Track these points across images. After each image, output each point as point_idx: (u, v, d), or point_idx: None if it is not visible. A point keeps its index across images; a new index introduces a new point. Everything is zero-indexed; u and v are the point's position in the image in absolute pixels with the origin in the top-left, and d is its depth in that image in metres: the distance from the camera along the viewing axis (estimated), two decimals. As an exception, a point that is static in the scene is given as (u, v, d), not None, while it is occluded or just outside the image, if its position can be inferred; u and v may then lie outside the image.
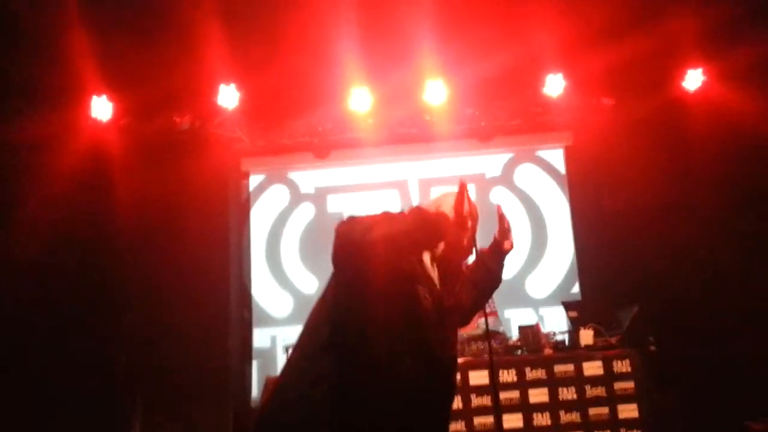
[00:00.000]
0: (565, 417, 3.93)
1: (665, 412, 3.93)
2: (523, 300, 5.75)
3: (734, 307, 5.00)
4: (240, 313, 5.65)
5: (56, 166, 5.06)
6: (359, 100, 5.38)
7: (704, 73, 5.31)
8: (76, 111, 5.25)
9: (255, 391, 5.42)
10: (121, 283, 5.38)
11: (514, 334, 4.57)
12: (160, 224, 5.43)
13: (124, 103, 5.35)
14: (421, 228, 1.77)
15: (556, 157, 6.07)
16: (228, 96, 5.29)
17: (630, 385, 3.95)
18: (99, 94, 5.23)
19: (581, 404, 3.92)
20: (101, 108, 5.27)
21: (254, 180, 6.10)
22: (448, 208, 1.90)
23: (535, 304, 5.74)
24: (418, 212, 1.80)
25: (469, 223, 1.87)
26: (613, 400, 3.92)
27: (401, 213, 1.81)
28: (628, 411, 3.88)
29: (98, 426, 4.87)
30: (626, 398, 3.91)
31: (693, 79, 5.33)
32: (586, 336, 4.23)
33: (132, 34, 4.88)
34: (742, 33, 4.91)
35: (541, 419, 3.92)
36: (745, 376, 4.78)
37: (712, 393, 4.67)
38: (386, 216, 1.75)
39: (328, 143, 5.86)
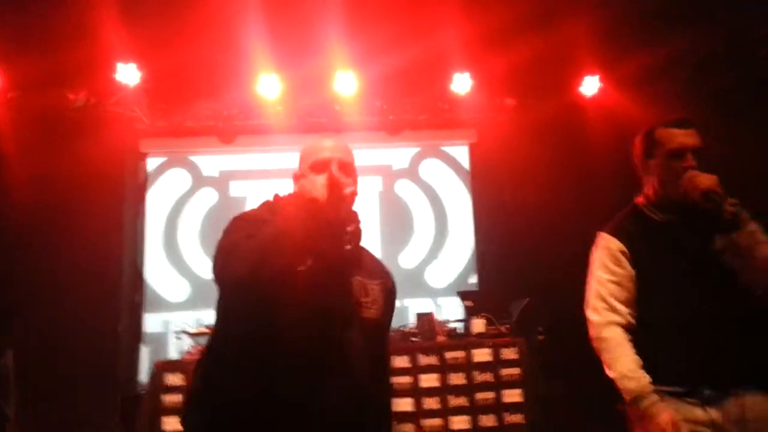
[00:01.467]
0: (453, 401, 4.02)
1: (548, 398, 4.08)
2: (422, 289, 5.85)
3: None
4: (132, 297, 5.44)
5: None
6: (268, 86, 5.32)
7: (601, 79, 5.57)
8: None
9: (143, 375, 5.23)
10: (8, 265, 5.06)
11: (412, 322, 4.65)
12: (52, 203, 5.15)
13: (13, 75, 5.04)
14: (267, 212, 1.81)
15: (460, 153, 6.21)
16: (127, 73, 5.09)
17: (516, 371, 4.09)
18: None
19: (469, 389, 4.02)
20: (-15, 79, 4.97)
21: (153, 162, 5.88)
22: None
23: (434, 293, 5.85)
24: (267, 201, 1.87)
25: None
26: (499, 385, 4.04)
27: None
28: (513, 396, 4.01)
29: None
30: (512, 384, 4.05)
31: (590, 85, 5.59)
32: (478, 324, 4.36)
33: (23, 3, 4.61)
34: (636, 41, 5.17)
35: (431, 403, 3.99)
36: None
37: (592, 381, 4.89)
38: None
39: (234, 128, 5.76)
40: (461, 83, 5.53)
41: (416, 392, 4.06)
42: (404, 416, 3.99)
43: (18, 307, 4.97)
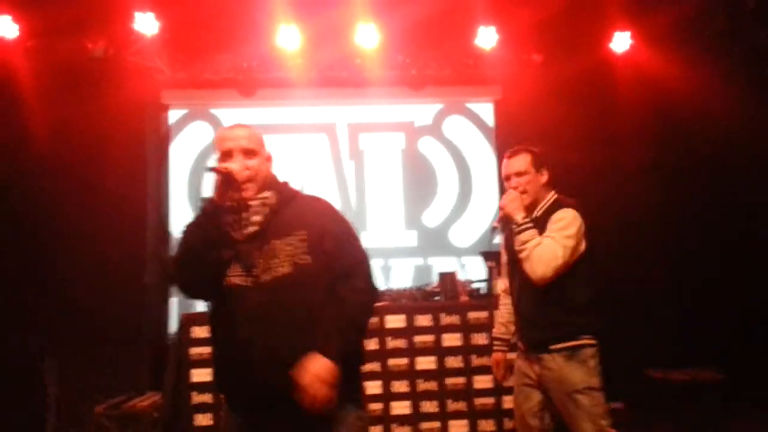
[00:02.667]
0: (476, 361, 4.05)
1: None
2: (446, 249, 5.84)
3: (646, 263, 5.23)
4: (158, 250, 5.45)
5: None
6: (288, 37, 5.20)
7: (632, 36, 5.41)
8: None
9: (172, 327, 5.30)
10: (31, 218, 5.08)
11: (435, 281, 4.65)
12: (73, 154, 5.13)
13: (32, 23, 4.96)
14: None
15: (485, 110, 6.09)
16: (146, 23, 4.99)
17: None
18: (1, 13, 4.83)
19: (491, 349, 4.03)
20: (5, 27, 4.89)
21: (174, 114, 5.82)
22: None
23: (458, 252, 5.83)
24: None
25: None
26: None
27: None
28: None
29: (8, 367, 4.68)
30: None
31: (620, 42, 5.43)
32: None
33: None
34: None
35: (453, 362, 4.02)
36: (648, 327, 5.05)
37: (617, 343, 4.90)
38: None
39: (254, 81, 5.66)
40: (487, 38, 5.39)
41: (439, 351, 4.09)
42: (427, 374, 4.03)
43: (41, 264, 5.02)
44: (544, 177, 2.82)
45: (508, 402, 3.94)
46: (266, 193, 2.08)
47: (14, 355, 4.74)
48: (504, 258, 2.97)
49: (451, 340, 4.11)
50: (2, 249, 4.93)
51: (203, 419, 3.79)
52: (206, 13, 5.08)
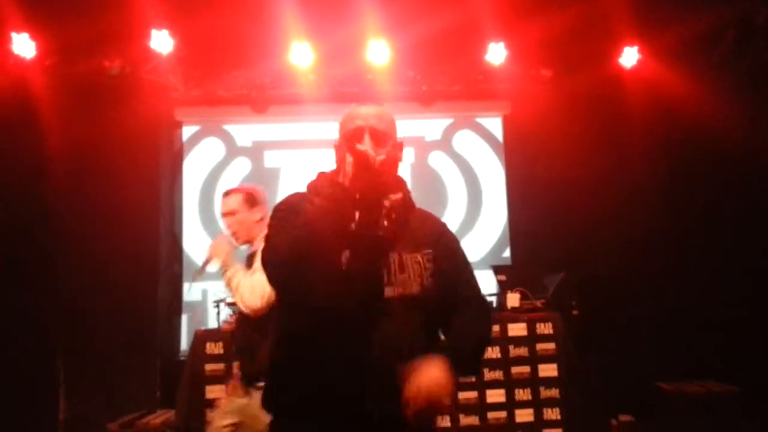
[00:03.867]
0: (489, 375, 4.06)
1: (583, 372, 4.11)
2: (455, 263, 5.85)
3: (655, 276, 5.24)
4: (170, 266, 5.52)
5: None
6: (300, 54, 5.28)
7: (640, 51, 5.45)
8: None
9: (184, 344, 5.35)
10: (47, 233, 5.14)
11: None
12: (89, 171, 5.21)
13: (49, 42, 5.06)
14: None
15: (494, 125, 6.14)
16: (161, 41, 5.08)
17: (551, 346, 4.11)
18: (19, 31, 4.93)
19: (505, 363, 4.06)
20: (23, 46, 4.98)
21: (188, 131, 5.91)
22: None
23: (468, 266, 5.85)
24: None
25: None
26: (534, 359, 4.07)
27: None
28: (549, 370, 4.05)
29: (21, 382, 4.72)
30: (547, 358, 4.07)
31: (629, 56, 5.47)
32: (513, 299, 4.37)
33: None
34: (676, 12, 5.05)
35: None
36: (659, 340, 5.05)
37: (628, 355, 4.93)
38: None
39: (267, 97, 5.72)
40: (496, 53, 5.44)
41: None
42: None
43: (56, 281, 5.06)
44: (258, 215, 2.96)
45: (520, 416, 3.97)
46: (397, 195, 1.80)
47: (25, 371, 4.78)
48: None
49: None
50: (15, 264, 4.98)
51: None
52: (220, 31, 5.16)
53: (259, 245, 2.71)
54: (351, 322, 1.66)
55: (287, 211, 1.77)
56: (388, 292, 1.70)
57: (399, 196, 1.79)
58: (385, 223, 1.74)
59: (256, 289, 2.69)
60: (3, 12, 4.74)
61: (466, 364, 1.73)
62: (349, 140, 1.77)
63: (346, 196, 1.66)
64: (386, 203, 1.76)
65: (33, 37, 5.01)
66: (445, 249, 1.84)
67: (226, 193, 3.06)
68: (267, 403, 1.79)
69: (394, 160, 1.81)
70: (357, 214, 1.71)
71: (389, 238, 1.74)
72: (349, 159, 1.68)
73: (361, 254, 1.70)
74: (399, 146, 1.86)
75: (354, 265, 1.69)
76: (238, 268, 2.85)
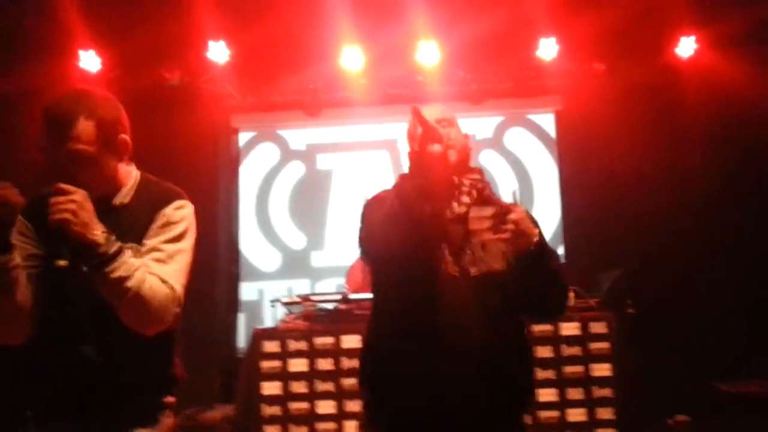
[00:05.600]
0: (541, 374, 4.03)
1: (637, 372, 4.03)
2: (509, 261, 5.83)
3: (712, 273, 5.08)
4: (228, 268, 5.73)
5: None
6: (351, 58, 5.37)
7: (697, 40, 5.29)
8: (64, 65, 5.23)
9: (242, 342, 5.54)
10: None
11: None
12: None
13: (113, 56, 5.33)
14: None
15: (546, 121, 6.08)
16: (218, 51, 5.27)
17: (605, 345, 4.03)
18: (86, 48, 5.21)
19: (557, 362, 4.02)
20: (89, 61, 5.27)
21: (244, 137, 6.11)
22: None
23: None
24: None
25: (417, 145, 1.78)
26: (588, 359, 4.02)
27: None
28: (602, 370, 3.97)
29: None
30: (601, 358, 4.01)
31: (686, 46, 5.31)
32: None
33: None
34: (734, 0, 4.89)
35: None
36: (717, 339, 4.90)
37: (685, 354, 4.80)
38: None
39: (319, 101, 5.85)
40: (547, 49, 5.39)
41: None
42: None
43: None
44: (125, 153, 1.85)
45: (572, 415, 3.94)
46: (475, 175, 1.90)
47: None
48: None
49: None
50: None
51: (272, 431, 3.95)
52: (273, 39, 5.29)
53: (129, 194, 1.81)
54: (439, 301, 1.73)
55: (377, 207, 1.87)
56: (473, 271, 1.77)
57: (476, 175, 1.90)
58: (467, 200, 1.83)
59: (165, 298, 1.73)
60: (71, 29, 5.02)
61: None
62: (421, 144, 1.80)
63: (410, 189, 1.73)
64: (466, 181, 1.85)
65: (99, 53, 5.28)
66: (524, 230, 1.81)
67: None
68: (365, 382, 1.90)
69: (463, 142, 1.93)
70: (430, 207, 1.76)
71: (467, 215, 1.79)
72: (423, 160, 1.75)
73: (445, 230, 1.79)
74: (466, 136, 1.99)
75: (432, 247, 1.77)
76: (127, 253, 1.66)
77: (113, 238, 1.63)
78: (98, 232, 1.59)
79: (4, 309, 1.60)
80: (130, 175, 1.86)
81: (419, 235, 1.71)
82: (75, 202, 1.57)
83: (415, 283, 1.75)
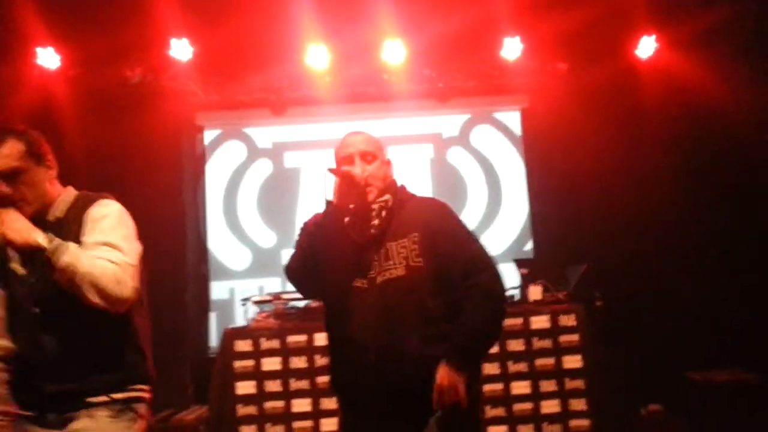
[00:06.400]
0: (513, 367, 4.09)
1: (608, 363, 4.12)
2: (477, 257, 5.88)
3: (677, 266, 5.22)
4: (197, 267, 5.63)
5: (2, 114, 4.89)
6: (317, 57, 5.34)
7: (657, 40, 5.42)
8: (22, 62, 5.07)
9: (213, 341, 5.46)
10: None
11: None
12: (114, 177, 5.27)
13: (72, 54, 5.18)
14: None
15: (512, 119, 6.16)
16: (181, 49, 5.18)
17: (575, 337, 4.12)
18: (44, 45, 5.06)
19: (529, 355, 4.08)
20: (48, 59, 5.12)
21: (209, 135, 6.01)
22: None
23: (490, 260, 5.88)
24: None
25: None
26: (559, 351, 4.09)
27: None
28: (573, 362, 4.06)
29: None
30: (571, 350, 4.08)
31: (646, 47, 5.44)
32: (535, 292, 4.39)
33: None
34: (694, 0, 5.03)
35: (491, 369, 4.07)
36: (685, 330, 5.04)
37: (654, 344, 4.92)
38: None
39: (285, 100, 5.81)
40: (511, 48, 5.45)
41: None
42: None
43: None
44: (50, 171, 2.04)
45: (546, 407, 4.00)
46: (385, 197, 2.12)
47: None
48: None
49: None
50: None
51: (248, 431, 3.90)
52: (237, 37, 5.22)
53: (63, 208, 2.00)
54: (354, 310, 2.04)
55: (302, 230, 2.21)
56: (379, 279, 2.03)
57: (387, 197, 2.12)
58: (376, 222, 2.09)
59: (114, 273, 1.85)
60: (28, 27, 4.87)
61: (470, 359, 1.97)
62: (339, 164, 2.15)
63: (335, 212, 2.06)
64: (375, 206, 2.10)
65: (57, 50, 5.13)
66: (435, 228, 2.07)
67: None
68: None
69: (382, 173, 2.15)
70: (347, 220, 2.10)
71: (379, 235, 2.08)
72: (336, 180, 2.05)
73: (354, 252, 2.07)
74: (387, 163, 2.20)
75: (348, 261, 2.07)
76: (68, 244, 1.85)
77: (52, 236, 1.84)
78: (38, 235, 1.81)
79: None
80: (64, 192, 2.07)
81: (341, 253, 2.05)
82: (4, 221, 1.82)
83: (336, 297, 2.10)
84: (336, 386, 2.16)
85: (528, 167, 6.02)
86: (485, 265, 2.06)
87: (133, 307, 1.99)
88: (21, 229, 1.81)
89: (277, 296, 4.46)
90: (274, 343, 4.02)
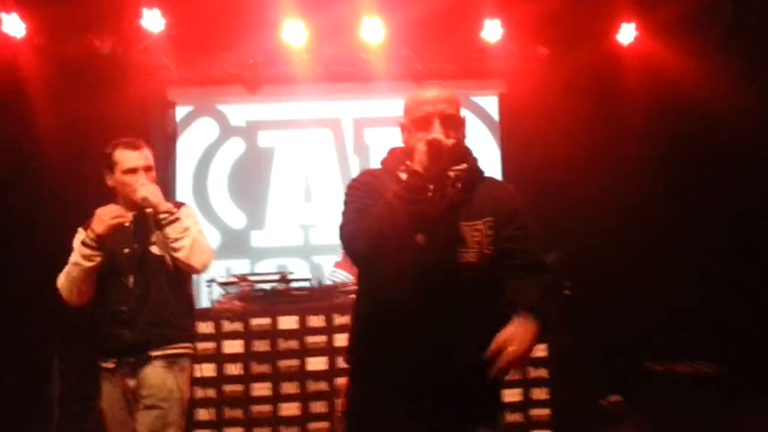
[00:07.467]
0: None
1: (573, 353, 4.11)
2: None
3: (647, 256, 5.23)
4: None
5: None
6: (293, 33, 5.22)
7: (637, 27, 5.37)
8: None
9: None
10: (36, 216, 5.14)
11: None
12: (80, 151, 5.15)
13: (39, 21, 5.02)
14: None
15: (490, 103, 6.08)
16: (153, 19, 5.04)
17: (540, 326, 4.09)
18: (8, 11, 4.90)
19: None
20: (12, 25, 4.95)
21: (181, 111, 5.87)
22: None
23: (463, 244, 5.85)
24: None
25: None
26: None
27: None
28: (537, 350, 4.03)
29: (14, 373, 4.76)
30: (537, 338, 4.06)
31: (626, 33, 5.39)
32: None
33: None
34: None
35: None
36: (651, 321, 5.05)
37: (620, 335, 4.93)
38: None
39: (259, 77, 5.67)
40: (492, 31, 5.36)
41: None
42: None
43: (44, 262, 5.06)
44: None
45: (508, 395, 3.98)
46: (462, 165, 1.91)
47: (22, 354, 4.82)
48: None
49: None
50: (6, 248, 4.97)
51: (205, 414, 3.86)
52: (212, 10, 5.12)
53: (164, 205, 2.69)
54: (417, 290, 1.81)
55: (364, 191, 1.92)
56: (450, 260, 1.83)
57: (464, 166, 1.90)
58: (451, 192, 1.86)
59: (204, 244, 2.70)
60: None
61: (544, 319, 1.75)
62: (420, 127, 1.87)
63: (423, 185, 1.78)
64: (451, 174, 1.86)
65: (23, 17, 4.97)
66: (510, 215, 1.89)
67: (140, 145, 2.85)
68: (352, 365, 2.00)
69: (462, 140, 1.94)
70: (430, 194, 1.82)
71: (453, 207, 1.84)
72: (421, 147, 1.77)
73: (435, 235, 1.84)
74: (464, 123, 1.98)
75: (428, 243, 1.83)
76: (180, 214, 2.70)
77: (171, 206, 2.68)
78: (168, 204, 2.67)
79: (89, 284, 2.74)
80: None
81: (415, 228, 1.80)
82: (146, 185, 2.69)
83: (394, 273, 1.83)
84: (366, 362, 1.93)
85: (503, 153, 5.96)
86: (547, 270, 1.88)
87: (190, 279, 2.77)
88: (158, 193, 2.67)
89: (243, 278, 4.40)
90: (237, 326, 3.98)
